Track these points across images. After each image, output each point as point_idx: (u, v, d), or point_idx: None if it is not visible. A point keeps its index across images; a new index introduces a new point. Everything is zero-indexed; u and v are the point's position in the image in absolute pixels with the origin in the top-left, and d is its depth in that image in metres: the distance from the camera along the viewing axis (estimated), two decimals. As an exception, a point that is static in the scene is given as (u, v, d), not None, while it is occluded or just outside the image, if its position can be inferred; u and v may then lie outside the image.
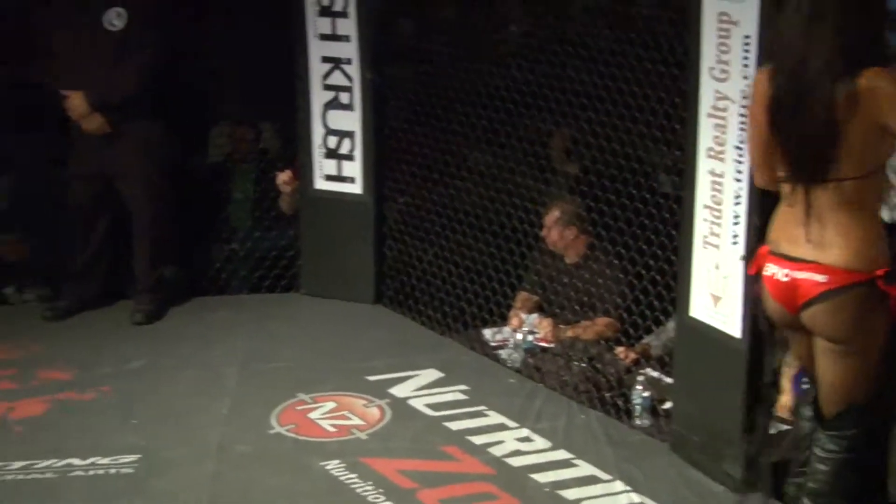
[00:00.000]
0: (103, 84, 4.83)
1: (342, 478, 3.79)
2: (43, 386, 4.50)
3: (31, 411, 4.28)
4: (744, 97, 3.46)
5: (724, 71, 3.52)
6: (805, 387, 3.78)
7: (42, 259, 5.47)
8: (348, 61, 5.04)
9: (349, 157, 5.16)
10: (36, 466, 3.85)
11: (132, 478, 3.80)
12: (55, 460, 3.89)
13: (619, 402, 4.22)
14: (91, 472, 3.83)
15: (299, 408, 4.31)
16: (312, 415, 4.25)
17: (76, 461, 3.89)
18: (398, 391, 4.43)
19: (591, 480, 3.77)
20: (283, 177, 5.41)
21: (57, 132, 5.07)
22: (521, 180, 4.79)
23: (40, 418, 4.24)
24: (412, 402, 4.35)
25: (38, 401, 4.36)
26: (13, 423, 4.19)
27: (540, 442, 4.03)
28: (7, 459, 3.89)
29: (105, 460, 3.90)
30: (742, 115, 3.47)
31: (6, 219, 5.56)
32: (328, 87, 5.11)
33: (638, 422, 4.14)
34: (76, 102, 4.84)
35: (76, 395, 4.42)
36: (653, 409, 4.14)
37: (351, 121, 5.11)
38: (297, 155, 5.32)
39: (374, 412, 4.28)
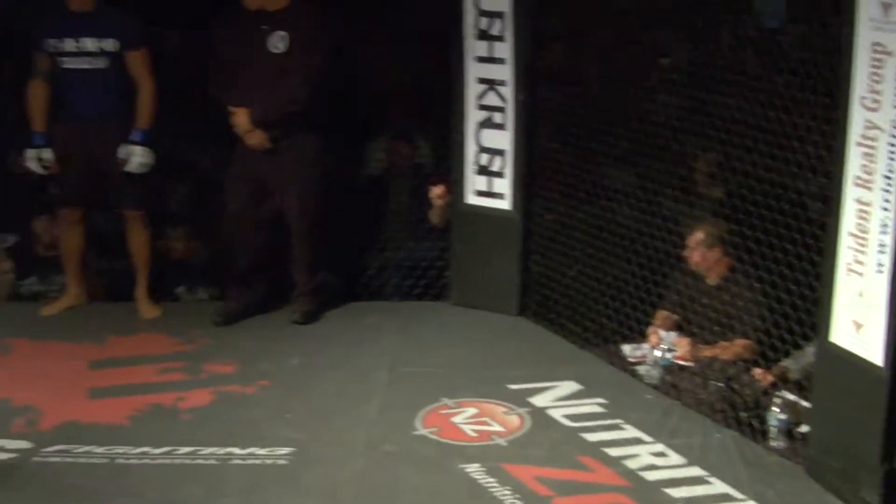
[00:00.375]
0: (265, 103, 4.90)
1: (482, 481, 3.79)
2: (210, 378, 4.63)
3: (198, 401, 4.41)
4: (894, 126, 3.33)
5: (875, 101, 3.39)
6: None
7: (213, 261, 5.63)
8: (502, 83, 5.04)
9: (499, 175, 5.16)
10: (201, 452, 3.97)
11: (286, 469, 3.88)
12: (218, 448, 4.00)
13: (755, 423, 4.10)
14: (249, 462, 3.92)
15: (443, 412, 4.32)
16: (455, 419, 4.26)
17: (236, 450, 3.99)
18: (538, 401, 4.41)
19: (724, 498, 3.67)
20: (437, 191, 5.44)
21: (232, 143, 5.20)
22: (665, 201, 4.72)
23: (206, 408, 4.36)
24: (551, 412, 4.32)
25: (205, 392, 4.49)
26: (182, 412, 4.33)
27: (675, 457, 3.95)
28: (176, 445, 4.02)
29: (262, 451, 3.98)
30: (892, 145, 3.34)
31: (181, 219, 5.75)
32: (482, 107, 5.13)
33: (773, 443, 4.01)
34: (241, 119, 4.94)
35: (239, 388, 4.53)
36: (789, 431, 4.01)
37: (503, 140, 5.12)
38: (450, 170, 5.35)
39: (514, 420, 4.26)
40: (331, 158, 5.25)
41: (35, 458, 3.91)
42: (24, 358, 4.82)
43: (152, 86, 5.07)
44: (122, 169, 5.02)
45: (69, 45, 4.98)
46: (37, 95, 5.09)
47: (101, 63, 5.00)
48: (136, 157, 5.02)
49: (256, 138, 4.95)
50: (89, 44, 4.97)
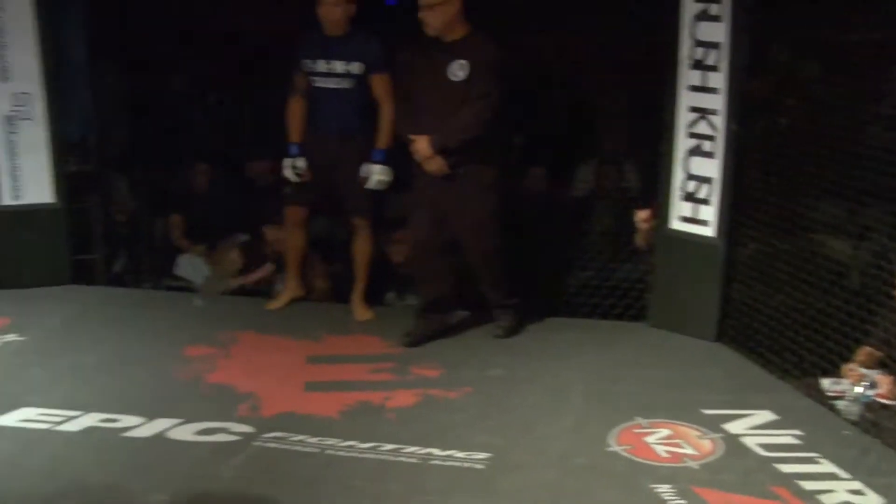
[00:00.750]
0: (445, 130, 4.86)
1: (671, 502, 3.72)
2: (416, 381, 4.74)
3: (404, 402, 4.52)
4: None
5: None
6: None
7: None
8: (714, 112, 4.95)
9: (705, 202, 5.07)
10: (403, 451, 4.07)
11: (482, 474, 3.92)
12: (419, 448, 4.09)
13: (963, 470, 3.87)
14: (448, 463, 3.99)
15: (636, 430, 4.28)
16: (648, 439, 4.21)
17: (436, 451, 4.07)
18: (732, 427, 4.30)
19: (923, 544, 3.49)
20: (642, 214, 5.40)
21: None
22: (876, 237, 4.52)
23: (411, 409, 4.46)
24: (745, 440, 4.20)
25: (410, 393, 4.60)
26: (389, 410, 4.45)
27: (873, 497, 3.76)
28: (381, 441, 4.13)
29: (460, 454, 4.05)
30: None
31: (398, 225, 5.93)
32: (692, 135, 5.04)
33: (980, 493, 3.78)
34: (421, 146, 4.91)
35: (442, 392, 4.62)
36: None
37: (711, 168, 5.02)
38: (656, 195, 5.29)
39: (707, 444, 4.17)
40: (504, 185, 5.15)
41: (255, 443, 4.12)
42: (249, 349, 5.08)
43: (392, 108, 5.20)
44: (364, 186, 5.20)
45: (321, 66, 5.21)
46: (294, 110, 5.34)
47: (346, 84, 5.20)
48: (376, 175, 5.19)
49: (435, 164, 4.91)
50: (338, 66, 5.19)
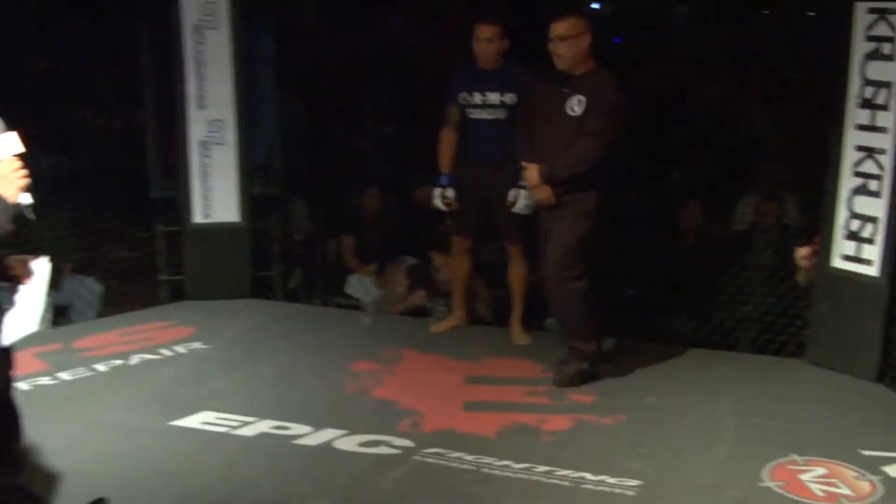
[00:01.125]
0: (557, 161, 4.78)
1: (826, 543, 3.60)
2: (571, 405, 4.71)
3: (559, 426, 4.50)
4: None
5: None
6: None
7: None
8: (882, 151, 4.76)
9: (869, 241, 4.87)
10: (556, 473, 4.05)
11: (633, 501, 3.87)
12: (571, 471, 4.06)
13: None
14: (599, 488, 3.96)
15: (790, 467, 4.13)
16: (803, 476, 4.06)
17: (588, 475, 4.04)
18: (892, 470, 4.10)
19: None
20: (803, 252, 5.22)
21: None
22: None
23: (565, 433, 4.44)
24: (905, 484, 4.02)
25: (565, 418, 4.58)
26: (544, 433, 4.44)
27: None
28: (535, 462, 4.13)
29: (612, 480, 4.01)
30: None
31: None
32: (858, 174, 4.86)
33: None
34: (531, 174, 4.86)
35: (597, 418, 4.58)
36: None
37: (876, 207, 4.82)
38: (818, 233, 5.11)
39: (865, 486, 3.99)
40: (603, 219, 4.95)
41: (415, 457, 4.18)
42: (413, 368, 5.16)
43: None
44: (510, 210, 5.23)
45: (476, 98, 5.29)
46: (447, 141, 5.41)
47: (500, 114, 5.26)
48: (522, 200, 5.21)
49: (543, 194, 4.85)
50: (493, 97, 5.26)
